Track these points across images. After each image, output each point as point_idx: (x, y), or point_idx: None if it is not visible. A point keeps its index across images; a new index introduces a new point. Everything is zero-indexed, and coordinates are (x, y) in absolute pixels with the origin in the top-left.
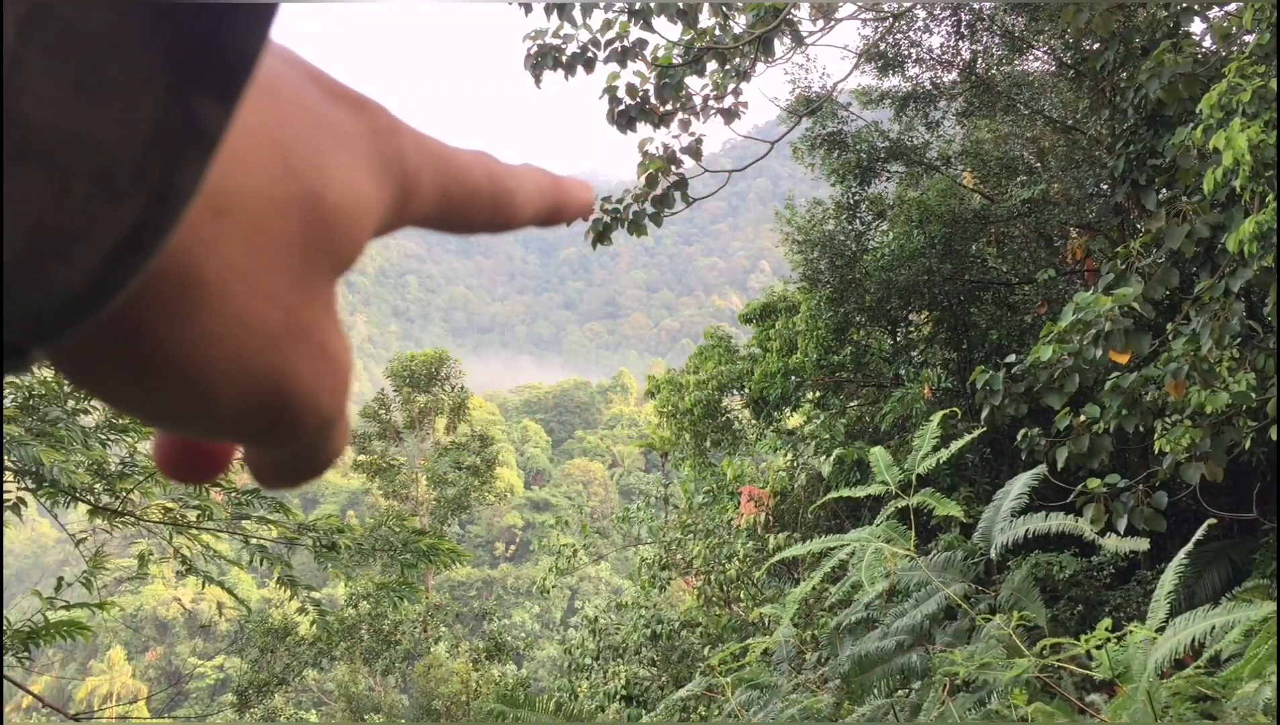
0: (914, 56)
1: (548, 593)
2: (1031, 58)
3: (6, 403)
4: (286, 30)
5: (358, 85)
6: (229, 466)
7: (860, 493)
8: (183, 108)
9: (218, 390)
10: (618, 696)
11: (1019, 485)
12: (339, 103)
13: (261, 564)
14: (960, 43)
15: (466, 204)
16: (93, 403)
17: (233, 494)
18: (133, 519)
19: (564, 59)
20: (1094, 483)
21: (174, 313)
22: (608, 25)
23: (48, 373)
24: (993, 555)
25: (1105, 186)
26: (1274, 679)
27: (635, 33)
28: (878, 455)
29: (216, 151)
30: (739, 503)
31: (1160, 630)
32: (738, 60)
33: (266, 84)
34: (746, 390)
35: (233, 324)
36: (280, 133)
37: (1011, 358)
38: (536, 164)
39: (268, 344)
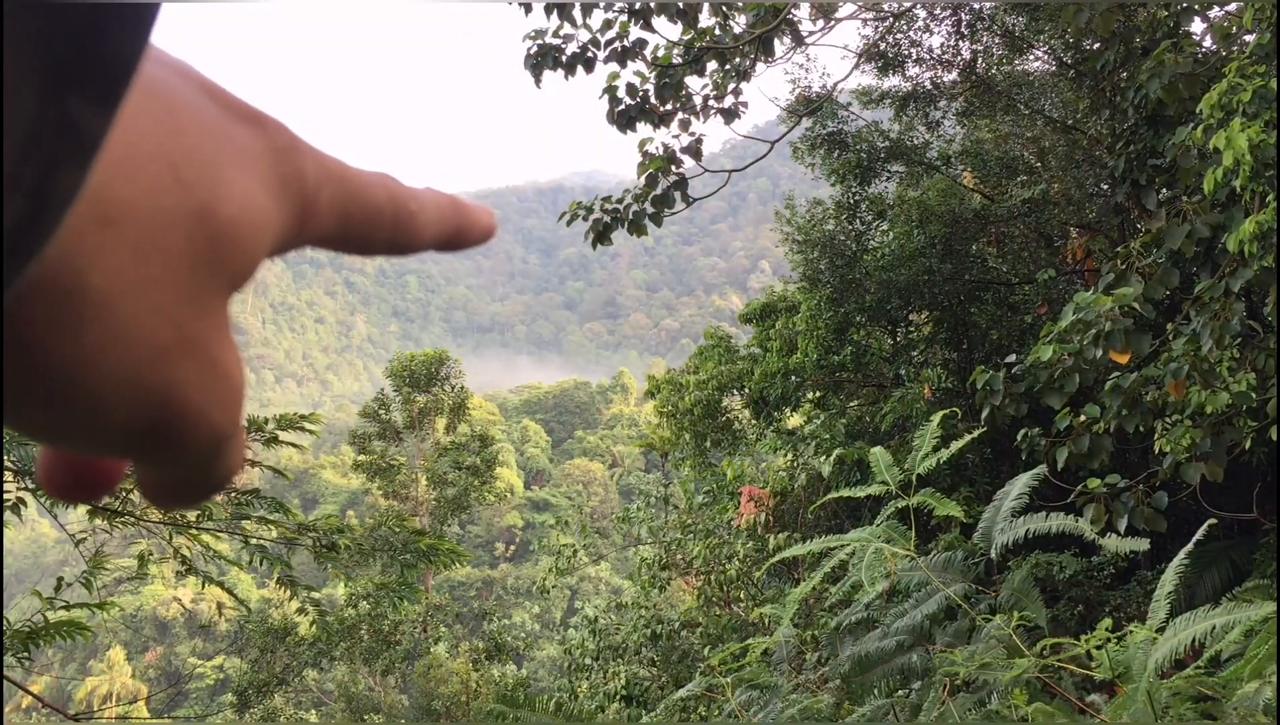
0: (914, 56)
1: (548, 593)
2: (1031, 58)
3: None
4: (285, 31)
5: (357, 86)
6: (115, 486)
7: (860, 493)
8: (59, 111)
9: (106, 404)
10: (618, 696)
11: (1019, 485)
12: (237, 119)
13: (261, 564)
14: (960, 43)
15: (367, 223)
16: None
17: (233, 494)
18: (132, 519)
19: (564, 59)
20: (1094, 483)
21: (61, 323)
22: (608, 25)
23: None
24: (993, 555)
25: (1105, 186)
26: (1274, 679)
27: (635, 33)
28: (878, 455)
29: (96, 156)
30: (739, 503)
31: (1160, 630)
32: (738, 60)
33: (159, 95)
34: (746, 390)
35: (121, 336)
36: (172, 145)
37: (1011, 358)
38: (438, 187)
39: (157, 358)
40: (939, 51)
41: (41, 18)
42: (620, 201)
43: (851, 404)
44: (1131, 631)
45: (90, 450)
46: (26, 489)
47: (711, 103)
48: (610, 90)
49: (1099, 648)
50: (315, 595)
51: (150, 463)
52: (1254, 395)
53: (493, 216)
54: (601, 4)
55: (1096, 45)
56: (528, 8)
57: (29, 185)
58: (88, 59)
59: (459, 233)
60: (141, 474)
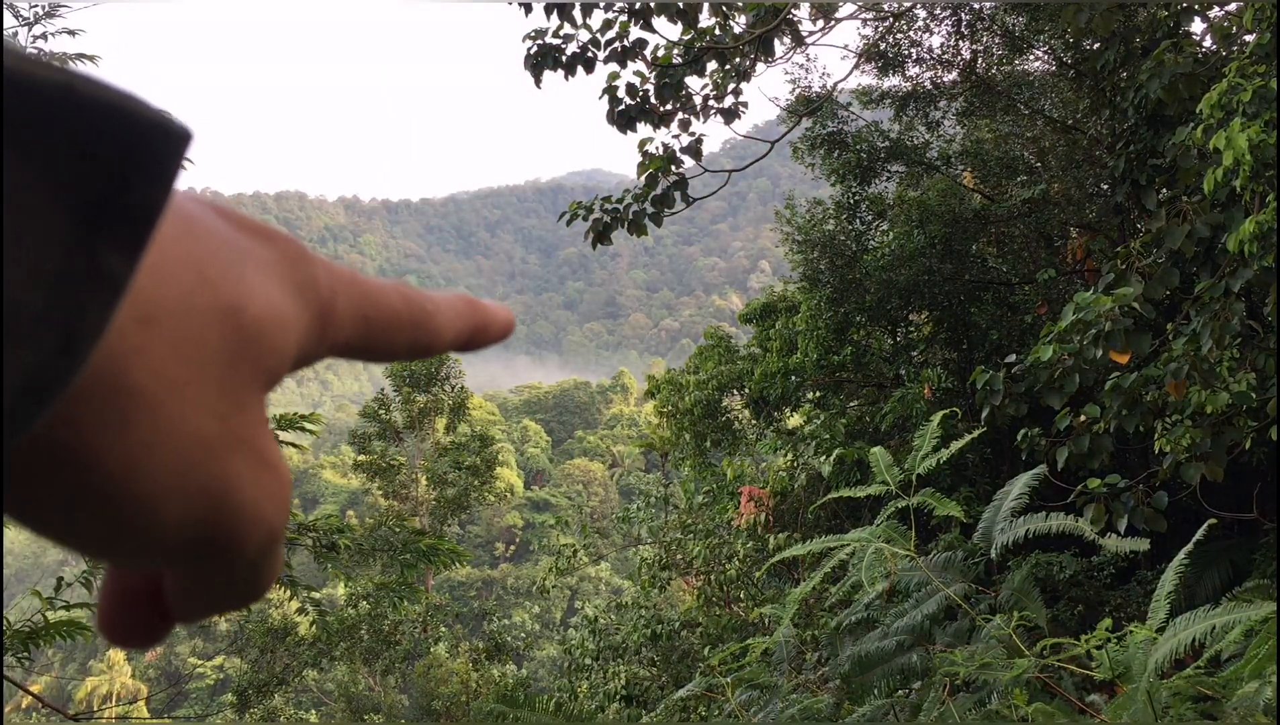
0: (914, 56)
1: (548, 593)
2: (1031, 58)
3: None
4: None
5: (358, 86)
6: (174, 627)
7: (860, 493)
8: (88, 257)
9: (159, 504)
10: (618, 696)
11: (1019, 485)
12: (248, 233)
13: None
14: (960, 43)
15: (387, 327)
16: None
17: None
18: None
19: (564, 59)
20: (1094, 483)
21: (108, 425)
22: (608, 25)
23: None
24: (993, 555)
25: (1105, 186)
26: (1274, 679)
27: (635, 33)
28: (878, 455)
29: (123, 298)
30: (739, 503)
31: (1160, 630)
32: (738, 60)
33: (178, 210)
34: (746, 390)
35: (168, 434)
36: (195, 249)
37: (1011, 358)
38: (461, 294)
39: (206, 454)
40: (939, 51)
41: (70, 167)
42: (620, 201)
43: (851, 404)
44: (1131, 631)
45: (145, 558)
46: None
47: (711, 103)
48: (610, 90)
49: (1099, 648)
50: (315, 595)
51: (203, 567)
52: (1254, 395)
53: (510, 313)
54: (601, 4)
55: (1096, 45)
56: (528, 8)
57: (57, 328)
58: (115, 208)
59: (478, 331)
60: (183, 586)
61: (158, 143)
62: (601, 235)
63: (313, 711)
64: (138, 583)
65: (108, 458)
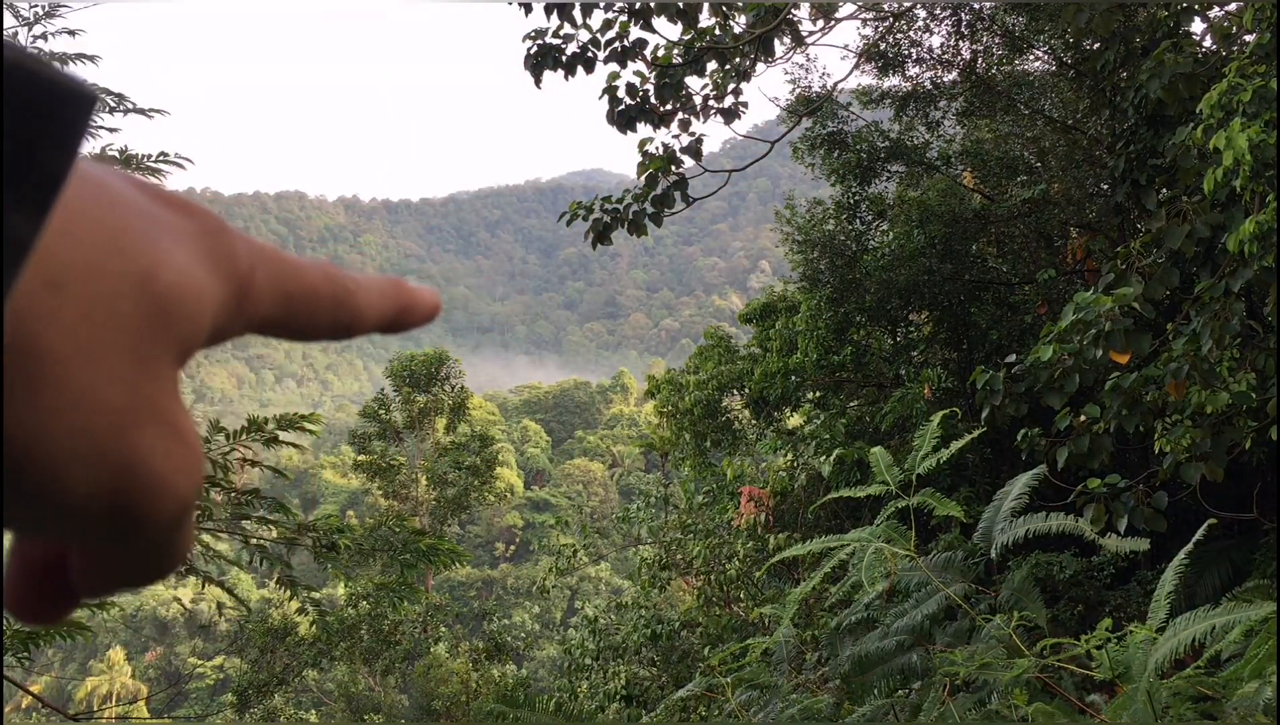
0: (914, 56)
1: (548, 593)
2: (1031, 58)
3: None
4: (286, 31)
5: (358, 86)
6: (78, 604)
7: (860, 493)
8: None
9: (67, 471)
10: (618, 696)
11: (1019, 485)
12: (166, 206)
13: (261, 564)
14: (960, 43)
15: (307, 302)
16: None
17: (232, 494)
18: None
19: (564, 59)
20: (1094, 483)
21: (15, 390)
22: (608, 25)
23: None
24: (993, 555)
25: (1105, 186)
26: (1274, 679)
27: (635, 33)
28: (878, 455)
29: (27, 260)
30: (739, 503)
31: (1160, 630)
32: (738, 60)
33: (91, 179)
34: (746, 390)
35: (77, 400)
36: (109, 218)
37: (1011, 358)
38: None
39: (115, 422)
40: (939, 51)
41: None
42: (620, 201)
43: (851, 404)
44: (1131, 631)
45: (54, 529)
46: None
47: (711, 103)
48: (610, 90)
49: (1099, 648)
50: (315, 595)
51: (112, 539)
52: (1254, 395)
53: (437, 296)
54: (601, 4)
55: (1096, 45)
56: (528, 8)
57: None
58: (19, 170)
59: (403, 312)
60: (90, 560)
61: (63, 105)
62: (601, 235)
63: (313, 711)
64: (43, 558)
65: (15, 423)
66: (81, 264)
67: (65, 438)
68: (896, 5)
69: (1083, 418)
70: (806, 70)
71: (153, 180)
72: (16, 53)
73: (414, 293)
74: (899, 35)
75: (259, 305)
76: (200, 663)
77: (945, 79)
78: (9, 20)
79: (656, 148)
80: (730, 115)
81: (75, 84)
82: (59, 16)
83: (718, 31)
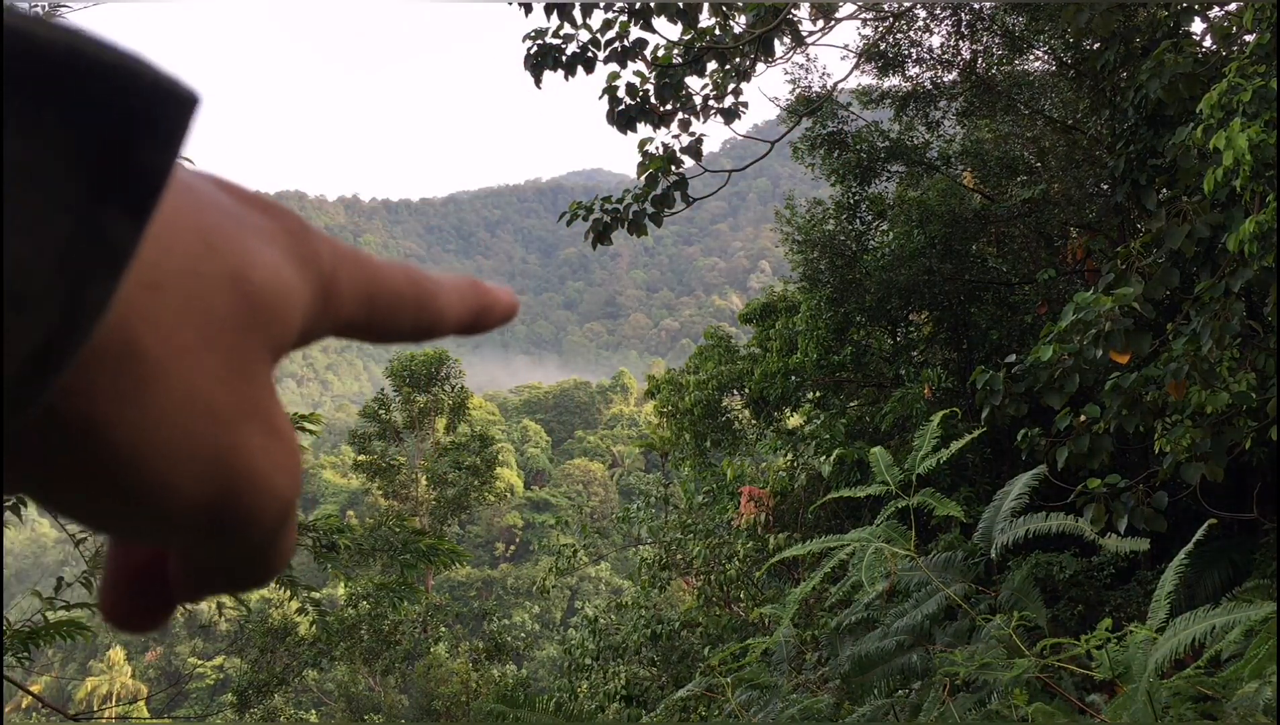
0: (914, 56)
1: (548, 593)
2: (1031, 58)
3: None
4: (287, 31)
5: (358, 86)
6: (176, 609)
7: (860, 493)
8: (94, 226)
9: (172, 474)
10: (618, 696)
11: (1019, 485)
12: (250, 206)
13: (273, 582)
14: (960, 43)
15: (391, 306)
16: None
17: None
18: None
19: (564, 59)
20: (1094, 483)
21: (117, 393)
22: (608, 25)
23: None
24: (993, 555)
25: (1105, 186)
26: (1274, 679)
27: (635, 33)
28: (878, 455)
29: (129, 267)
30: (739, 503)
31: (1160, 630)
32: (738, 60)
33: (180, 180)
34: (746, 390)
35: (178, 401)
36: (200, 218)
37: (1011, 358)
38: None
39: (217, 422)
40: (939, 51)
41: (75, 131)
42: (620, 201)
43: (851, 404)
44: (1131, 631)
45: (158, 533)
46: None
47: (711, 103)
48: (610, 90)
49: (1099, 648)
50: (315, 595)
51: (216, 542)
52: (1254, 395)
53: (514, 296)
54: (601, 4)
55: (1096, 45)
56: (528, 8)
57: (63, 296)
58: (121, 173)
59: (483, 312)
60: (193, 564)
61: (164, 106)
62: (601, 235)
63: (313, 711)
64: (140, 564)
65: (118, 427)
66: (176, 265)
67: (169, 439)
68: (896, 5)
69: (1083, 418)
70: (806, 70)
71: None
72: (114, 52)
73: (492, 293)
74: (899, 35)
75: (343, 307)
76: (200, 663)
77: (945, 79)
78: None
79: (656, 148)
80: (730, 115)
81: (175, 83)
82: (59, 17)
83: (718, 31)
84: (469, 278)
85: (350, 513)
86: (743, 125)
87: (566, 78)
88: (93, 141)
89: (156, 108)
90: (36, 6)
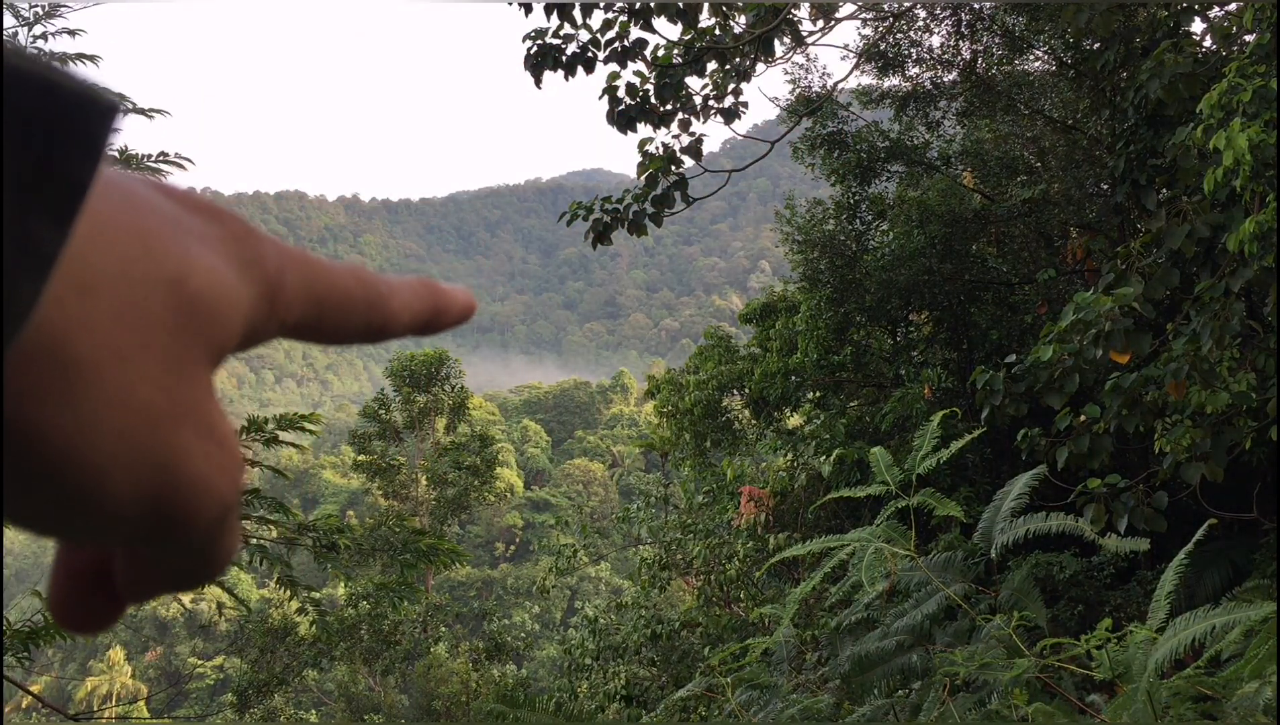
0: (914, 56)
1: (548, 593)
2: (1031, 58)
3: None
4: (287, 31)
5: (358, 86)
6: (124, 613)
7: (860, 493)
8: (19, 231)
9: (107, 476)
10: (618, 696)
11: (1019, 485)
12: (193, 210)
13: (261, 564)
14: (960, 43)
15: (339, 307)
16: None
17: None
18: None
19: (564, 59)
20: (1094, 483)
21: (51, 397)
22: (608, 25)
23: None
24: (993, 555)
25: (1105, 186)
26: (1274, 679)
27: (635, 33)
28: (878, 455)
29: (53, 270)
30: (739, 503)
31: (1160, 630)
32: (738, 60)
33: (116, 185)
34: (746, 390)
35: (113, 404)
36: (137, 223)
37: (1011, 358)
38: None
39: (153, 425)
40: (939, 51)
41: (2, 146)
42: (620, 201)
43: (851, 404)
44: (1131, 631)
45: (97, 535)
46: None
47: (711, 103)
48: (610, 90)
49: (1099, 648)
50: (315, 595)
51: (156, 543)
52: (1254, 395)
53: (470, 295)
54: (601, 4)
55: (1096, 45)
56: (528, 8)
57: None
58: (45, 180)
59: (437, 313)
60: (134, 564)
61: (86, 115)
62: (601, 235)
63: (313, 711)
64: (87, 565)
65: (53, 430)
66: (111, 268)
67: (103, 442)
68: (896, 5)
69: (1083, 418)
70: (806, 70)
71: (175, 184)
72: (35, 63)
73: (447, 293)
74: (899, 35)
75: (290, 309)
76: (200, 663)
77: (945, 79)
78: (9, 20)
79: (656, 148)
80: (730, 115)
81: (97, 93)
82: (59, 17)
83: (718, 31)
84: (423, 278)
85: (350, 513)
86: (743, 125)
87: (566, 78)
88: (16, 150)
89: (78, 117)
90: (36, 6)
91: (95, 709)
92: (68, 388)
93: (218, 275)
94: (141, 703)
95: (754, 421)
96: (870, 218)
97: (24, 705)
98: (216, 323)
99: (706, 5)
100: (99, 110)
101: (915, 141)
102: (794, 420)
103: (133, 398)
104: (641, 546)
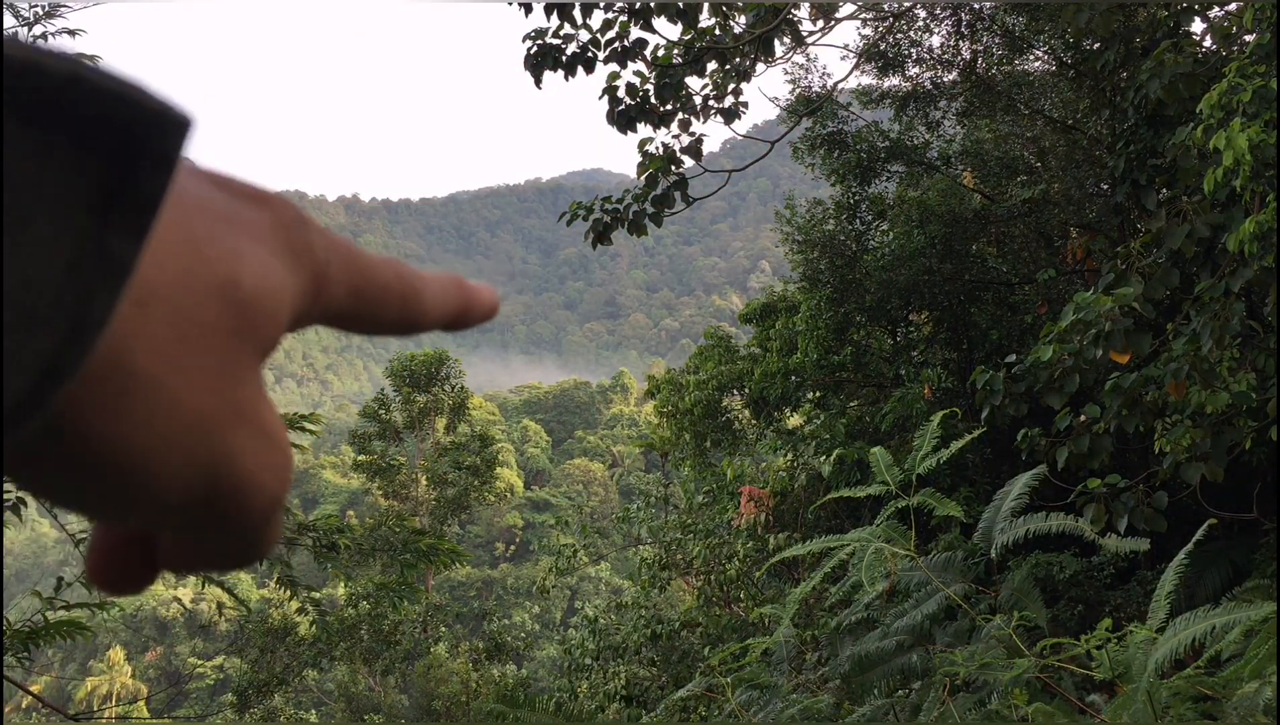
0: (914, 56)
1: (548, 593)
2: (1031, 58)
3: None
4: (287, 31)
5: (358, 86)
6: (158, 577)
7: (860, 493)
8: (99, 244)
9: (161, 479)
10: (618, 696)
11: (1019, 485)
12: (244, 201)
13: (261, 564)
14: (960, 43)
15: (377, 299)
16: None
17: None
18: None
19: (564, 59)
20: (1094, 483)
21: (109, 405)
22: (608, 25)
23: None
24: (993, 555)
25: (1105, 186)
26: (1274, 679)
27: (635, 33)
28: (878, 455)
29: (130, 280)
30: (739, 503)
31: (1160, 630)
32: (738, 60)
33: (174, 191)
34: (746, 390)
35: (168, 411)
36: (189, 230)
37: (1011, 358)
38: (449, 272)
39: (206, 429)
40: (939, 51)
41: (80, 155)
42: (620, 201)
43: (851, 404)
44: (1131, 631)
45: (146, 524)
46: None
47: (711, 103)
48: (610, 90)
49: (1099, 648)
50: (315, 595)
51: (203, 533)
52: (1254, 395)
53: (495, 295)
54: (601, 4)
55: (1096, 45)
56: (528, 8)
57: (70, 312)
58: (122, 193)
59: (464, 310)
60: (179, 545)
61: (161, 130)
62: (601, 235)
63: (313, 711)
64: (128, 533)
65: (109, 436)
66: (168, 280)
67: (157, 449)
68: (896, 5)
69: (1083, 418)
70: (806, 70)
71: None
72: (119, 81)
73: (475, 293)
74: (899, 35)
75: (333, 299)
76: (200, 663)
77: (945, 79)
78: (9, 20)
79: (656, 148)
80: (730, 115)
81: (171, 108)
82: (59, 16)
83: (718, 31)
84: (454, 276)
85: (350, 513)
86: (743, 125)
87: (566, 78)
88: (96, 164)
89: (154, 131)
90: (36, 6)
91: (95, 709)
92: (125, 398)
93: (269, 272)
94: (141, 703)
95: (754, 421)
96: (870, 218)
97: (24, 705)
98: (268, 322)
99: (706, 5)
100: (174, 125)
101: (915, 141)
102: (794, 420)
103: (187, 405)
104: (641, 546)
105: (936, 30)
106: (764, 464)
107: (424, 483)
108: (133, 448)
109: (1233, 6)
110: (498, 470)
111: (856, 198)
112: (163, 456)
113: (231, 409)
